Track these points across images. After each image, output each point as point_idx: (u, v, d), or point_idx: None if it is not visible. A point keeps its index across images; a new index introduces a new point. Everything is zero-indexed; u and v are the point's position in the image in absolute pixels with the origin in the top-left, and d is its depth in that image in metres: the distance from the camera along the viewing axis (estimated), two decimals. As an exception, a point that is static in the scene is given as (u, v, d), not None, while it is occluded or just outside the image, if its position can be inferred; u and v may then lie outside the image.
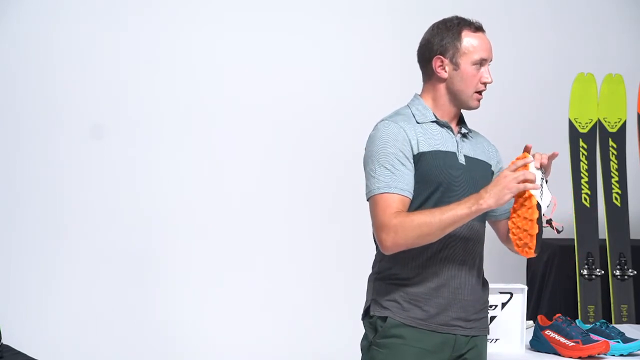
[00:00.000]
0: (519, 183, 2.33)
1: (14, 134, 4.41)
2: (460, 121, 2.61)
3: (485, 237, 2.61)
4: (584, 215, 4.34)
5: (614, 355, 3.07)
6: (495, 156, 2.67)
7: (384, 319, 2.51)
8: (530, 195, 2.35)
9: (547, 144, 4.81)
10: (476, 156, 2.58)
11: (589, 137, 4.40)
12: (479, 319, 2.56)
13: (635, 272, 4.31)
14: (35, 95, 4.41)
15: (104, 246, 4.46)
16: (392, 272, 2.52)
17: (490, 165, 2.62)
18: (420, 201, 2.47)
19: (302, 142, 4.67)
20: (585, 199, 4.35)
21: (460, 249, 2.50)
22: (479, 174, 2.56)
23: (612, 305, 4.27)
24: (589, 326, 3.28)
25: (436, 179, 2.47)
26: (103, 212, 4.47)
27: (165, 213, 4.53)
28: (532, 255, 2.38)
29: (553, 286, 4.36)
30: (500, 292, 3.12)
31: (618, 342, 3.12)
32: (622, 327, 3.45)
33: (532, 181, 2.33)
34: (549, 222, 2.44)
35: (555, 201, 2.42)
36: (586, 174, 4.37)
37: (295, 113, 4.63)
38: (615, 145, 4.40)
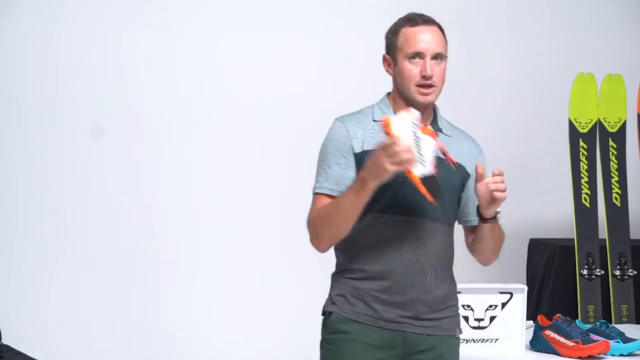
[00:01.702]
0: (395, 164, 2.23)
1: (14, 134, 4.41)
2: (434, 120, 2.53)
3: (450, 238, 2.52)
4: (584, 215, 4.33)
5: (614, 355, 3.07)
6: (474, 158, 2.53)
7: (331, 314, 2.49)
8: (410, 172, 2.25)
9: (547, 144, 4.85)
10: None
11: (589, 137, 4.40)
12: (436, 318, 2.48)
13: (635, 272, 4.31)
14: (36, 95, 4.41)
15: (104, 246, 4.46)
16: (344, 268, 2.52)
17: (465, 167, 2.51)
18: (372, 201, 2.38)
19: (302, 142, 4.64)
20: (585, 199, 4.35)
21: (410, 248, 2.44)
22: (442, 173, 2.40)
23: (612, 305, 4.27)
24: (589, 326, 3.27)
25: None
26: (102, 212, 4.46)
27: (164, 213, 4.53)
28: (434, 202, 2.32)
29: (553, 286, 4.36)
30: (500, 292, 3.11)
31: (618, 342, 3.12)
32: (622, 327, 3.44)
33: (409, 161, 2.21)
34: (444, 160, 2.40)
35: (440, 145, 2.36)
36: (586, 174, 4.37)
37: (295, 113, 4.63)
38: (615, 145, 4.40)
